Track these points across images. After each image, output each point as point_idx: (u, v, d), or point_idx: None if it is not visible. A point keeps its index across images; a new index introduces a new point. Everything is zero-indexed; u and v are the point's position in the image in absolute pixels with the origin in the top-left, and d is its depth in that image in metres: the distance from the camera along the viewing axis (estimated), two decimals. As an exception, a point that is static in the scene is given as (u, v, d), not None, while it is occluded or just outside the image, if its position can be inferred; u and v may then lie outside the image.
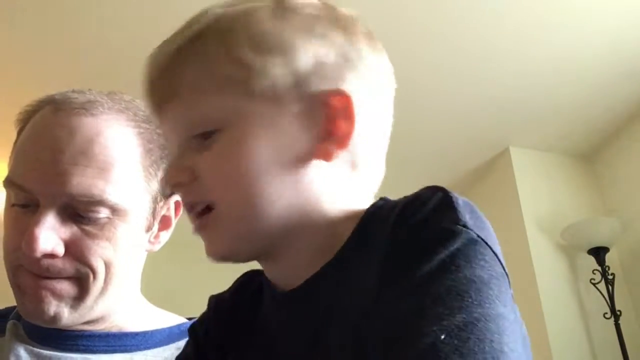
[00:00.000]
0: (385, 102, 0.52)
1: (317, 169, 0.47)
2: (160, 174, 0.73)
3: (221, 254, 0.48)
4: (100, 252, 0.66)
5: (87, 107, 0.68)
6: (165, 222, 0.77)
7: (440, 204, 0.41)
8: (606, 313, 2.53)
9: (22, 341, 0.71)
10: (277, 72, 0.45)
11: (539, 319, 2.54)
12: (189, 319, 0.80)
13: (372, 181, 0.52)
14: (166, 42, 0.48)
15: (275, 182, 0.45)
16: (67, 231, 0.65)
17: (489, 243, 0.40)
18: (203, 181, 0.46)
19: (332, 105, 0.46)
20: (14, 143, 0.73)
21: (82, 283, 0.67)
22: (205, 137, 0.46)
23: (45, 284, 0.66)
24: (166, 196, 0.76)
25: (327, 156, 0.46)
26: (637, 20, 2.26)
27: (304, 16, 0.48)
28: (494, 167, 3.08)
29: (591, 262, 2.63)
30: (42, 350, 0.69)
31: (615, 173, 2.90)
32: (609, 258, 2.62)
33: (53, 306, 0.66)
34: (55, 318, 0.67)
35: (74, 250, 0.65)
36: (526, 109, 2.72)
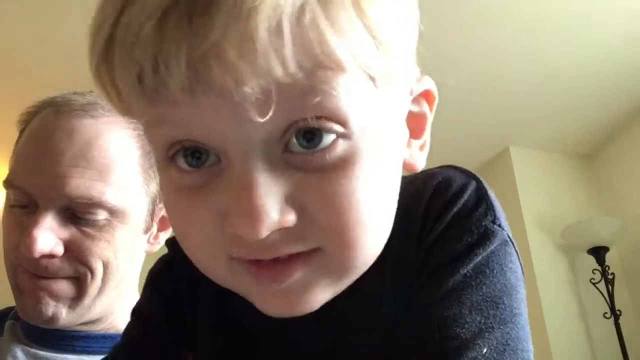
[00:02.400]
0: None
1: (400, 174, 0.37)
2: (159, 177, 0.73)
3: (309, 307, 0.34)
4: (99, 253, 0.67)
5: (87, 109, 0.69)
6: (164, 223, 0.77)
7: (477, 197, 0.37)
8: (606, 313, 2.53)
9: (20, 342, 0.71)
10: (408, 53, 0.36)
11: (539, 318, 2.54)
12: None
13: None
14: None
15: (391, 211, 0.35)
16: (66, 232, 0.65)
17: (514, 242, 0.38)
18: (321, 224, 0.31)
19: (430, 102, 0.40)
20: (15, 144, 0.73)
21: (80, 283, 0.67)
22: (314, 139, 0.30)
23: (43, 285, 0.66)
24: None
25: (411, 167, 0.39)
26: (638, 21, 2.26)
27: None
28: (494, 167, 3.08)
29: (591, 261, 2.63)
30: (38, 351, 0.69)
31: (615, 173, 2.90)
32: (609, 258, 2.62)
33: (51, 307, 0.66)
34: (53, 318, 0.67)
35: (73, 251, 0.66)
36: (526, 109, 2.72)
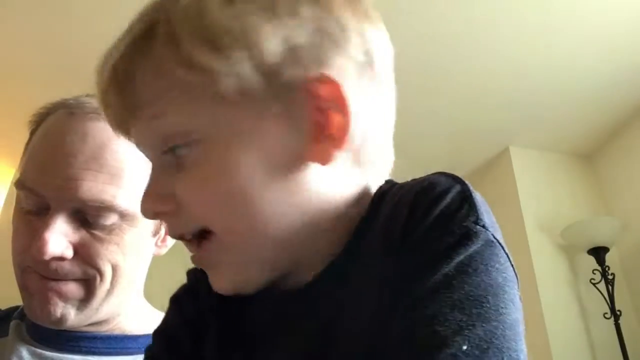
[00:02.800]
0: (383, 80, 0.44)
1: (317, 172, 0.40)
2: None
3: (232, 288, 0.42)
4: (108, 257, 0.67)
5: (99, 112, 0.69)
6: None
7: (460, 199, 0.38)
8: (606, 313, 2.53)
9: (25, 342, 0.71)
10: (240, 69, 0.37)
11: (539, 318, 2.54)
12: None
13: (383, 172, 0.46)
14: (113, 47, 0.40)
15: (276, 196, 0.39)
16: (77, 235, 0.65)
17: (502, 244, 0.38)
18: (188, 208, 0.40)
19: (318, 96, 0.39)
20: (26, 145, 0.73)
21: (88, 285, 0.67)
22: (177, 154, 0.40)
23: (51, 286, 0.66)
24: None
25: (324, 158, 0.40)
26: (638, 21, 2.26)
27: None
28: (494, 167, 3.07)
29: (591, 262, 2.63)
30: (44, 352, 0.69)
31: (615, 173, 2.90)
32: (609, 258, 2.62)
33: (59, 308, 0.66)
34: (62, 319, 0.67)
35: (83, 254, 0.66)
36: (526, 109, 2.72)
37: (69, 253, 0.65)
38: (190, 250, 0.42)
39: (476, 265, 0.36)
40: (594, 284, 2.61)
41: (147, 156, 0.43)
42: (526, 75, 2.52)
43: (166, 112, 0.39)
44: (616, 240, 2.64)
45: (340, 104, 0.39)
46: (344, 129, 0.39)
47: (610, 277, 2.57)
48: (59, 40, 2.29)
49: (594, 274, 2.62)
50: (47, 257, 0.63)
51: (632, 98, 2.66)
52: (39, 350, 0.70)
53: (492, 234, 0.38)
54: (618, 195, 2.87)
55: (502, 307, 0.35)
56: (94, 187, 0.65)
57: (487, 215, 0.39)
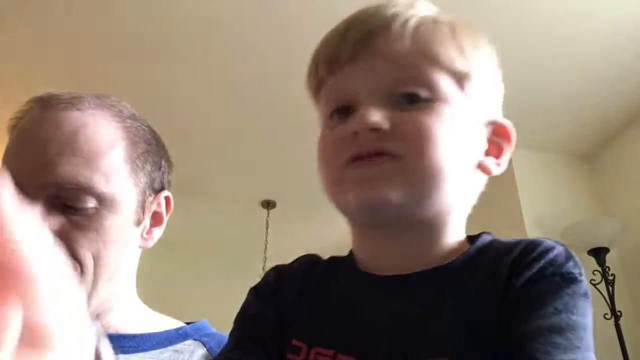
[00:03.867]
0: None
1: (476, 180, 0.53)
2: (148, 168, 0.74)
3: (384, 200, 0.48)
4: (87, 245, 0.66)
5: (73, 103, 0.70)
6: (156, 218, 0.77)
7: (568, 254, 0.47)
8: (606, 314, 2.53)
9: None
10: (488, 85, 0.57)
11: (539, 319, 2.54)
12: (187, 323, 0.80)
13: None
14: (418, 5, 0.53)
15: (460, 165, 0.50)
16: (56, 222, 0.65)
17: (590, 296, 0.47)
18: (402, 132, 0.48)
19: (503, 134, 0.56)
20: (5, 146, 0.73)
21: None
22: (410, 101, 0.49)
23: None
24: (156, 191, 0.76)
25: (486, 170, 0.53)
26: (638, 21, 2.26)
27: (471, 35, 0.58)
28: (494, 167, 3.07)
29: (591, 262, 2.62)
30: None
31: (615, 173, 2.90)
32: (609, 258, 2.62)
33: None
34: None
35: (62, 243, 0.65)
36: (526, 109, 2.71)
37: None
38: (362, 165, 0.48)
39: (579, 308, 0.45)
40: (594, 285, 2.61)
41: (375, 90, 0.50)
42: (526, 76, 2.52)
43: (434, 69, 0.50)
44: (616, 240, 2.64)
45: (509, 139, 0.58)
46: (506, 157, 0.56)
47: (610, 277, 2.57)
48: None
49: (594, 274, 2.62)
50: None
51: (632, 99, 2.66)
52: None
53: (588, 289, 0.47)
54: (618, 196, 2.87)
55: (588, 349, 0.45)
56: (68, 171, 0.65)
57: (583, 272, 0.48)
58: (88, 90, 0.74)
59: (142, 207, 0.74)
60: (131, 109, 0.77)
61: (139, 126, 0.75)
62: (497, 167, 0.54)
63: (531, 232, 2.76)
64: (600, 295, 2.57)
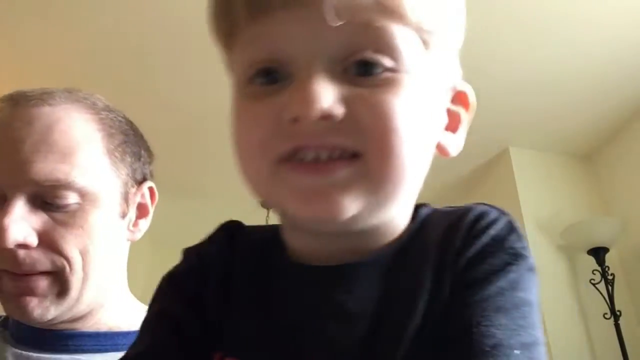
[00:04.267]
0: None
1: (430, 158, 0.44)
2: (127, 159, 0.73)
3: (343, 214, 0.37)
4: (74, 241, 0.66)
5: (44, 98, 0.69)
6: (142, 210, 0.77)
7: (510, 227, 0.43)
8: (606, 313, 2.53)
9: (10, 346, 0.70)
10: (453, 45, 0.47)
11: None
12: None
13: None
14: None
15: (424, 154, 0.42)
16: (38, 220, 0.64)
17: (535, 270, 0.44)
18: (360, 121, 0.36)
19: (464, 103, 0.48)
20: None
21: (60, 277, 0.66)
22: (367, 71, 0.37)
23: (25, 286, 0.65)
24: (138, 182, 0.75)
25: (444, 151, 0.46)
26: (638, 21, 2.26)
27: None
28: (494, 167, 3.08)
29: (591, 262, 2.63)
30: (30, 353, 0.68)
31: (615, 173, 2.90)
32: (608, 258, 2.62)
33: (37, 306, 0.65)
34: (43, 316, 0.66)
35: (47, 241, 0.65)
36: (526, 109, 2.72)
37: (32, 240, 0.64)
38: (309, 171, 0.37)
39: (523, 284, 0.41)
40: (593, 284, 2.61)
41: (317, 54, 0.37)
42: (526, 76, 2.52)
43: (396, 32, 0.38)
44: (616, 240, 2.64)
45: (471, 107, 0.49)
46: (463, 131, 0.49)
47: (610, 277, 2.57)
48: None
49: (594, 274, 2.62)
50: (10, 243, 0.62)
51: (632, 98, 2.66)
52: (26, 353, 0.68)
53: (533, 262, 0.43)
54: (618, 196, 2.87)
55: (538, 325, 0.40)
56: (45, 167, 0.64)
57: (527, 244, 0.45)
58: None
59: (126, 199, 0.73)
60: (105, 101, 0.76)
61: (114, 117, 0.74)
62: (456, 147, 0.47)
63: (531, 232, 2.76)
64: (600, 295, 2.57)
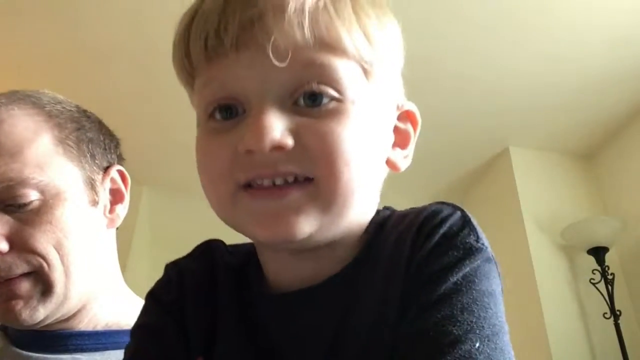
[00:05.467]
0: None
1: (383, 169, 0.47)
2: (84, 146, 0.72)
3: (296, 235, 0.40)
4: (45, 238, 0.65)
5: None
6: (116, 195, 0.75)
7: (462, 222, 0.44)
8: (606, 313, 2.53)
9: (9, 349, 0.70)
10: (393, 70, 0.47)
11: (538, 319, 2.54)
12: None
13: None
14: None
15: (374, 173, 0.45)
16: (4, 225, 0.64)
17: (496, 262, 0.44)
18: (308, 149, 0.40)
19: (411, 120, 0.49)
20: None
21: (41, 277, 0.65)
22: (313, 102, 0.41)
23: (7, 290, 0.64)
24: (102, 168, 0.74)
25: (394, 167, 0.48)
26: (638, 21, 2.26)
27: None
28: (494, 167, 3.08)
29: (591, 262, 2.63)
30: (32, 354, 0.68)
31: (615, 173, 2.90)
32: (608, 258, 2.62)
33: (24, 308, 0.65)
34: (32, 317, 0.65)
35: (18, 243, 0.64)
36: (526, 109, 2.72)
37: (2, 246, 0.63)
38: (264, 196, 0.41)
39: (480, 276, 0.41)
40: (593, 284, 2.61)
41: (266, 89, 0.41)
42: (526, 76, 2.52)
43: (337, 60, 0.41)
44: (616, 240, 2.64)
45: (414, 125, 0.50)
46: (411, 144, 0.50)
47: (610, 277, 2.57)
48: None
49: (594, 274, 2.62)
50: None
51: (631, 98, 2.66)
52: (25, 353, 0.68)
53: (491, 253, 0.43)
54: (618, 195, 2.87)
55: (500, 314, 0.40)
56: None
57: (484, 236, 0.44)
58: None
59: (92, 186, 0.71)
60: (52, 94, 0.75)
61: (62, 108, 0.72)
62: (405, 160, 0.49)
63: (531, 232, 2.76)
64: (600, 295, 2.58)
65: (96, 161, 0.73)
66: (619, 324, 2.47)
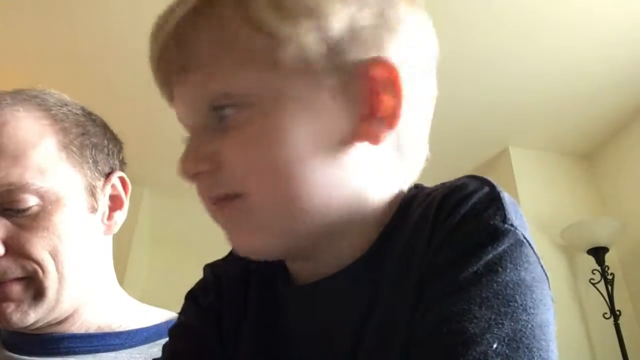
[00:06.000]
0: (431, 73, 0.46)
1: (362, 153, 0.41)
2: (87, 152, 0.71)
3: (252, 249, 0.42)
4: (41, 244, 0.64)
5: None
6: (116, 202, 0.74)
7: (489, 199, 0.38)
8: (606, 313, 2.53)
9: (3, 351, 0.69)
10: (306, 39, 0.38)
11: (538, 318, 2.54)
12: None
13: (417, 168, 0.46)
14: (177, 5, 0.41)
15: (318, 170, 0.39)
16: (1, 228, 0.63)
17: (531, 244, 0.38)
18: (230, 170, 0.40)
19: (375, 77, 0.40)
20: None
21: (35, 282, 0.64)
22: (223, 116, 0.40)
23: None
24: (104, 174, 0.73)
25: (374, 138, 0.40)
26: (637, 22, 2.26)
27: None
28: (494, 167, 3.08)
29: (591, 262, 2.63)
30: (24, 357, 0.67)
31: (615, 173, 2.90)
32: (608, 258, 2.62)
33: (15, 311, 0.64)
34: (23, 320, 0.64)
35: (15, 247, 0.63)
36: (526, 109, 2.72)
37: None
38: (212, 211, 0.42)
39: (505, 264, 0.36)
40: (593, 284, 2.61)
41: (188, 118, 0.43)
42: (526, 76, 2.52)
43: (223, 71, 0.39)
44: (616, 240, 2.64)
45: (394, 87, 0.40)
46: (396, 112, 0.40)
47: (609, 277, 2.57)
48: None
49: (594, 274, 2.62)
50: None
51: (631, 98, 2.66)
52: (17, 356, 0.68)
53: (522, 233, 0.38)
54: (618, 196, 2.87)
55: (531, 307, 0.35)
56: None
57: (517, 215, 0.39)
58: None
59: (92, 193, 0.70)
60: (59, 96, 0.73)
61: (68, 111, 0.71)
62: (389, 128, 0.41)
63: (531, 232, 2.73)
64: (600, 295, 2.58)
65: (98, 167, 0.72)
66: (619, 324, 2.47)
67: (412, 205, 0.42)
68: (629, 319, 2.62)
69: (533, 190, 2.89)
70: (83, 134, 0.71)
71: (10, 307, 0.64)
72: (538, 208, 2.84)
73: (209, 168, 0.40)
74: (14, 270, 0.63)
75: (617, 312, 2.49)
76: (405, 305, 0.38)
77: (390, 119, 0.40)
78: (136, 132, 2.57)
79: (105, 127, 0.76)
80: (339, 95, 0.40)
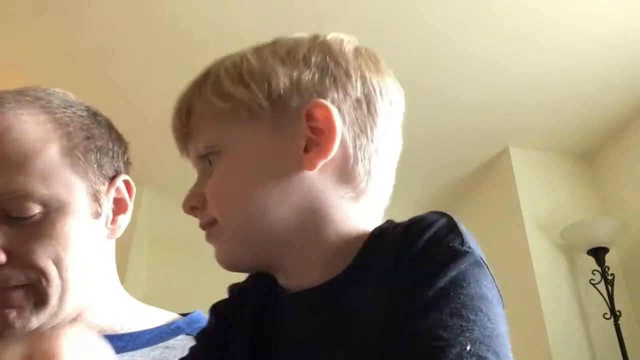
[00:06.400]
0: (382, 118, 0.53)
1: (309, 180, 0.49)
2: (92, 156, 0.69)
3: (226, 261, 0.52)
4: (44, 252, 0.63)
5: None
6: (119, 205, 0.73)
7: (448, 227, 0.44)
8: (606, 313, 2.53)
9: None
10: (256, 96, 0.50)
11: (538, 319, 2.54)
12: (184, 315, 0.78)
13: (379, 199, 0.53)
14: (184, 91, 0.56)
15: (267, 193, 0.49)
16: (4, 237, 0.62)
17: (488, 266, 0.43)
18: (209, 202, 0.51)
19: (313, 116, 0.49)
20: None
21: (38, 291, 0.63)
22: (210, 160, 0.52)
23: (0, 299, 0.62)
24: (109, 178, 0.72)
25: (310, 165, 0.48)
26: (637, 21, 2.26)
27: (286, 50, 0.52)
28: (494, 167, 3.08)
29: (591, 262, 2.63)
30: None
31: (615, 173, 2.90)
32: (608, 258, 2.62)
33: (17, 317, 0.63)
34: (25, 327, 0.64)
35: (17, 255, 0.62)
36: (526, 109, 2.72)
37: (1, 258, 0.61)
38: (205, 235, 0.53)
39: (469, 279, 0.41)
40: (593, 285, 2.61)
41: (195, 166, 0.55)
42: (526, 76, 2.53)
43: (207, 131, 0.52)
44: (616, 240, 2.64)
45: (329, 124, 0.49)
46: (330, 143, 0.48)
47: (609, 277, 2.57)
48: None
49: (594, 274, 2.62)
50: None
51: (631, 98, 2.66)
52: None
53: (480, 256, 0.43)
54: (618, 196, 2.87)
55: (493, 318, 0.40)
56: (0, 180, 0.61)
57: (472, 241, 0.44)
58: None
59: (96, 198, 0.69)
60: (63, 95, 0.72)
61: (73, 113, 0.70)
62: (324, 157, 0.48)
63: (531, 232, 2.77)
64: (600, 295, 2.58)
65: (103, 171, 0.71)
66: (618, 324, 2.47)
67: (382, 235, 0.48)
68: (629, 319, 2.62)
69: (533, 190, 2.90)
70: (88, 138, 0.70)
71: (13, 314, 0.63)
72: (538, 208, 2.85)
73: (199, 203, 0.52)
74: (18, 278, 0.62)
75: (617, 313, 2.49)
76: (377, 322, 0.42)
77: (324, 150, 0.48)
78: (136, 132, 2.57)
79: (110, 128, 0.75)
80: (284, 134, 0.49)
